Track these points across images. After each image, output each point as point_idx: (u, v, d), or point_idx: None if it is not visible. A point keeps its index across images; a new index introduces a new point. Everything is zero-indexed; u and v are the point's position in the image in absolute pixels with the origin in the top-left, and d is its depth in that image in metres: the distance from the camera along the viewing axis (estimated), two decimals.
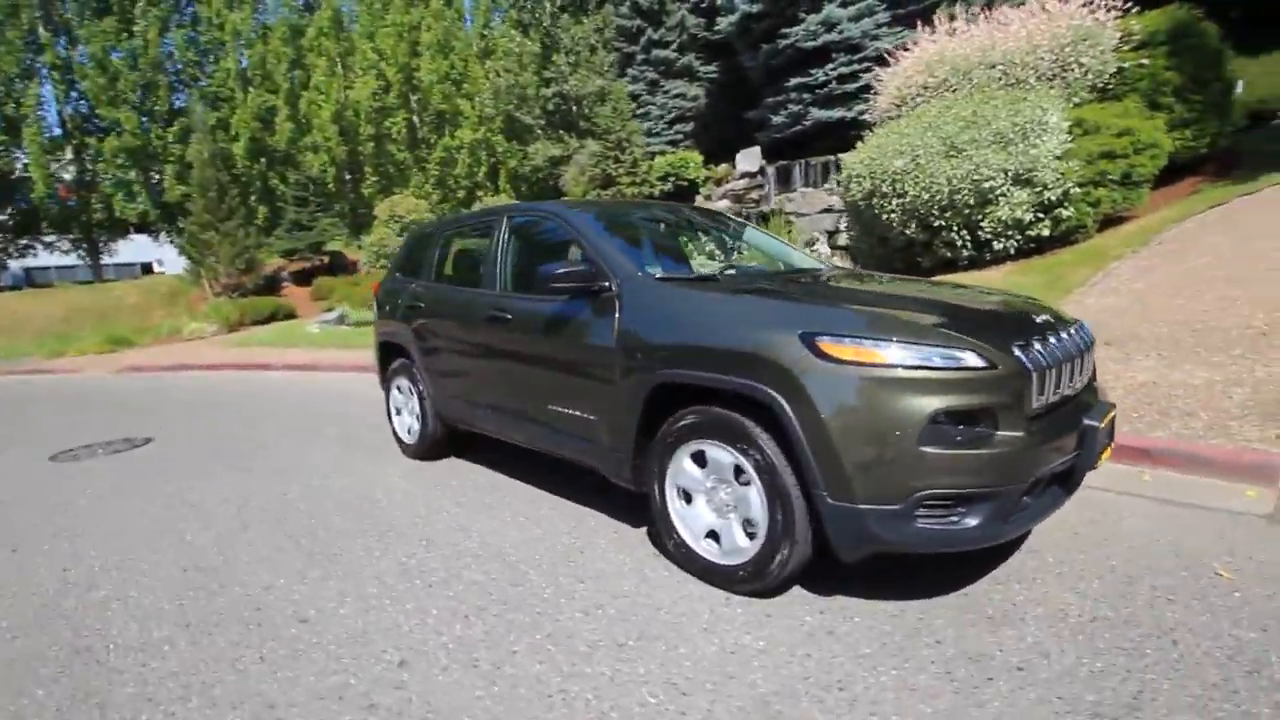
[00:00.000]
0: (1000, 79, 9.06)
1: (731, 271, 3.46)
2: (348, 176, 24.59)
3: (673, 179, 16.99)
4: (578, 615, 2.42)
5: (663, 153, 18.29)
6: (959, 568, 2.51)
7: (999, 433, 2.06)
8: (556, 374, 3.13)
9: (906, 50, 10.52)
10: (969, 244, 7.97)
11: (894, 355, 2.07)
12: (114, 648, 2.41)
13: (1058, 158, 7.67)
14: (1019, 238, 7.77)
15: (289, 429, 5.76)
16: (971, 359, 2.07)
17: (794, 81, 16.09)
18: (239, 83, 25.18)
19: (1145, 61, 8.47)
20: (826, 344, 2.14)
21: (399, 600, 2.63)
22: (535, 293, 3.33)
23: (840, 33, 15.33)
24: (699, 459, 2.55)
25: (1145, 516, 2.89)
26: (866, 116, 10.95)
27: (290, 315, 18.41)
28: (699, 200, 17.15)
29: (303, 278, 22.09)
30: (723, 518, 2.52)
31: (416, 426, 4.46)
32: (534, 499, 3.60)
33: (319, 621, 2.51)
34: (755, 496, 2.35)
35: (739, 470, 2.40)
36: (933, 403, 2.03)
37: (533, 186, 20.72)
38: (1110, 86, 8.65)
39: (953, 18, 14.32)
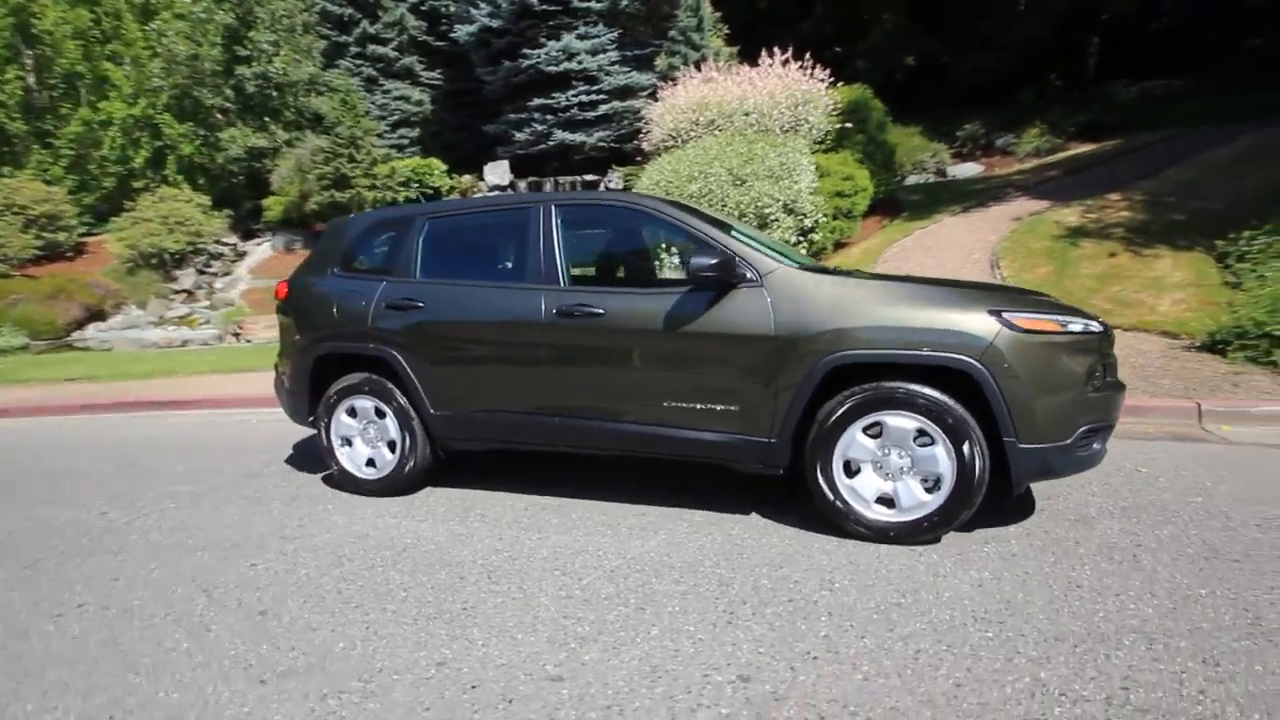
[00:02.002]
0: (754, 126, 10.92)
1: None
2: None
3: (416, 185, 15.94)
4: (855, 592, 2.51)
5: (388, 157, 16.98)
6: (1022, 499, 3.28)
7: (1108, 379, 2.85)
8: (680, 368, 3.05)
9: (661, 94, 11.82)
10: None
11: (1075, 324, 2.71)
12: None
13: (811, 193, 9.62)
14: None
15: (150, 493, 4.10)
16: (1097, 325, 2.82)
17: (537, 102, 16.58)
18: None
19: (849, 125, 11.13)
20: (1018, 318, 2.68)
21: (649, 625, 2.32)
22: (613, 285, 3.18)
23: (579, 63, 16.35)
24: (873, 430, 2.84)
25: None
26: (643, 145, 11.97)
27: None
28: None
29: None
30: (895, 480, 2.85)
31: (389, 456, 3.68)
32: (624, 514, 3.34)
33: None
34: (942, 453, 2.75)
35: (920, 433, 2.78)
36: (1091, 358, 2.72)
37: (220, 181, 17.17)
38: (826, 141, 11.14)
39: (672, 67, 16.58)
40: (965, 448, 2.70)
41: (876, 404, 2.80)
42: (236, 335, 10.35)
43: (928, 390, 2.72)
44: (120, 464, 4.78)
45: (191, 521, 3.55)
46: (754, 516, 3.24)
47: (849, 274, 3.13)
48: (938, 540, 2.86)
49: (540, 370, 3.28)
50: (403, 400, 3.58)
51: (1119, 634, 2.18)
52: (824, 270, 3.32)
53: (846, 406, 2.83)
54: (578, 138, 16.73)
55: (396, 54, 18.98)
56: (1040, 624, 2.25)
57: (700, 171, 9.68)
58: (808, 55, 11.29)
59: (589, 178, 16.54)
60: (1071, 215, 9.05)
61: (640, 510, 3.37)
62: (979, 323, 2.69)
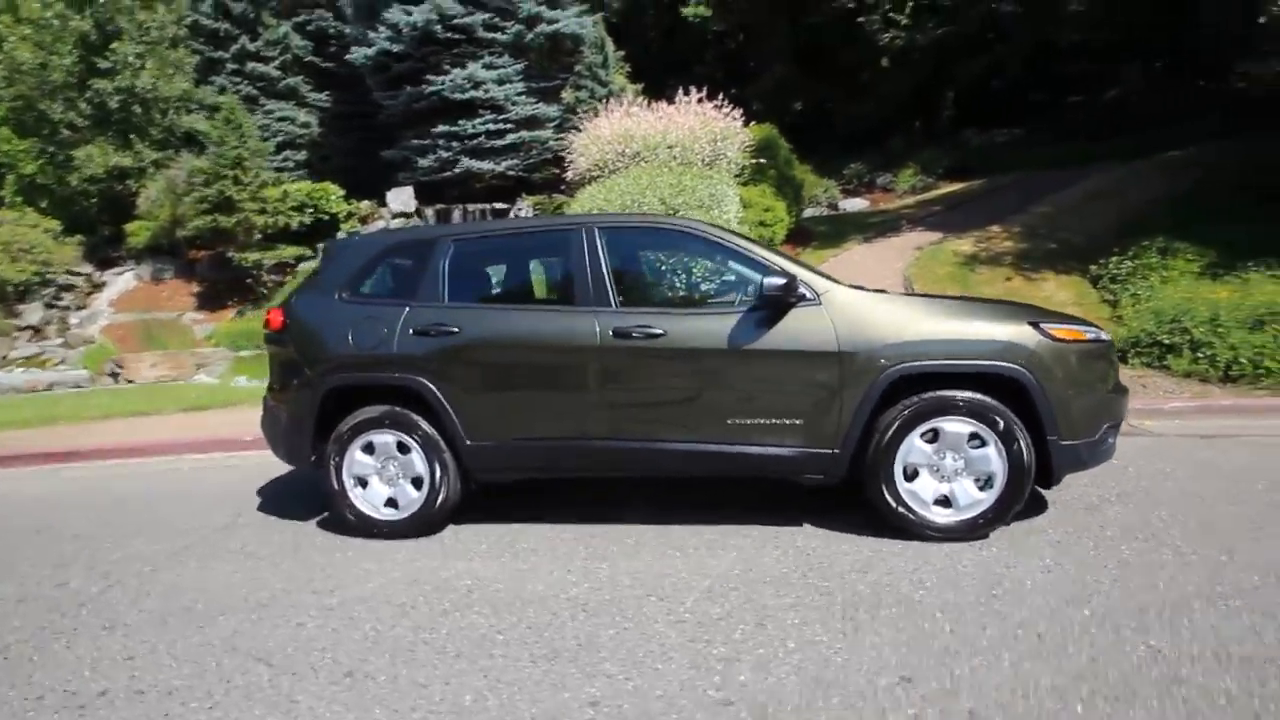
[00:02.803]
0: (676, 159, 11.33)
1: None
2: None
3: (310, 210, 14.93)
4: (949, 590, 2.63)
5: (278, 180, 15.82)
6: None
7: (1118, 381, 3.25)
8: (745, 385, 3.10)
9: (583, 126, 11.98)
10: None
11: (1091, 334, 3.06)
12: None
13: (739, 223, 10.12)
14: None
15: (107, 556, 3.45)
16: (1106, 335, 3.21)
17: (442, 128, 16.20)
18: None
19: (764, 160, 11.84)
20: (1052, 328, 3.00)
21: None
22: (666, 306, 3.21)
23: (486, 92, 16.22)
24: (932, 436, 3.04)
25: None
26: (568, 174, 12.00)
27: None
28: (341, 237, 15.47)
29: None
30: (950, 482, 3.06)
31: (414, 493, 3.41)
32: (679, 535, 3.29)
33: None
34: (994, 454, 2.99)
35: (973, 436, 3.01)
36: (1106, 363, 3.10)
37: (71, 204, 15.14)
38: (743, 175, 11.77)
39: (579, 101, 16.86)
40: (1015, 447, 2.96)
41: (933, 411, 3.01)
42: (115, 376, 9.06)
43: (982, 396, 2.97)
44: (39, 526, 4.05)
45: (185, 584, 3.08)
46: (807, 527, 3.33)
47: (884, 293, 3.35)
48: (987, 536, 3.09)
49: (594, 393, 3.20)
50: (432, 432, 3.35)
51: (1186, 600, 2.47)
52: (862, 289, 3.54)
53: (906, 415, 3.01)
54: (485, 166, 16.48)
55: (279, 73, 17.82)
56: (1120, 599, 2.50)
57: (634, 200, 9.86)
58: (719, 95, 11.94)
59: (498, 206, 16.29)
60: (965, 245, 10.16)
61: (694, 530, 3.35)
62: (1022, 333, 2.99)
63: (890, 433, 3.02)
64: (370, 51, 16.15)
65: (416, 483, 3.42)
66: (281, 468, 4.91)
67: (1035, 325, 3.02)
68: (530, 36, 16.65)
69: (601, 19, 17.43)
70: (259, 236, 14.08)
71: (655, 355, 3.15)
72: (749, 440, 3.14)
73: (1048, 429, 2.97)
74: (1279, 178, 8.71)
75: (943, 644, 2.27)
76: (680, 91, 11.80)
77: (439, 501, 3.39)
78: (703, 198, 9.96)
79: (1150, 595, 2.52)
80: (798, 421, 3.09)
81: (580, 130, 12.32)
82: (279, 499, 4.27)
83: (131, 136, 14.55)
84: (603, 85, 16.59)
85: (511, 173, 16.74)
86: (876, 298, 3.19)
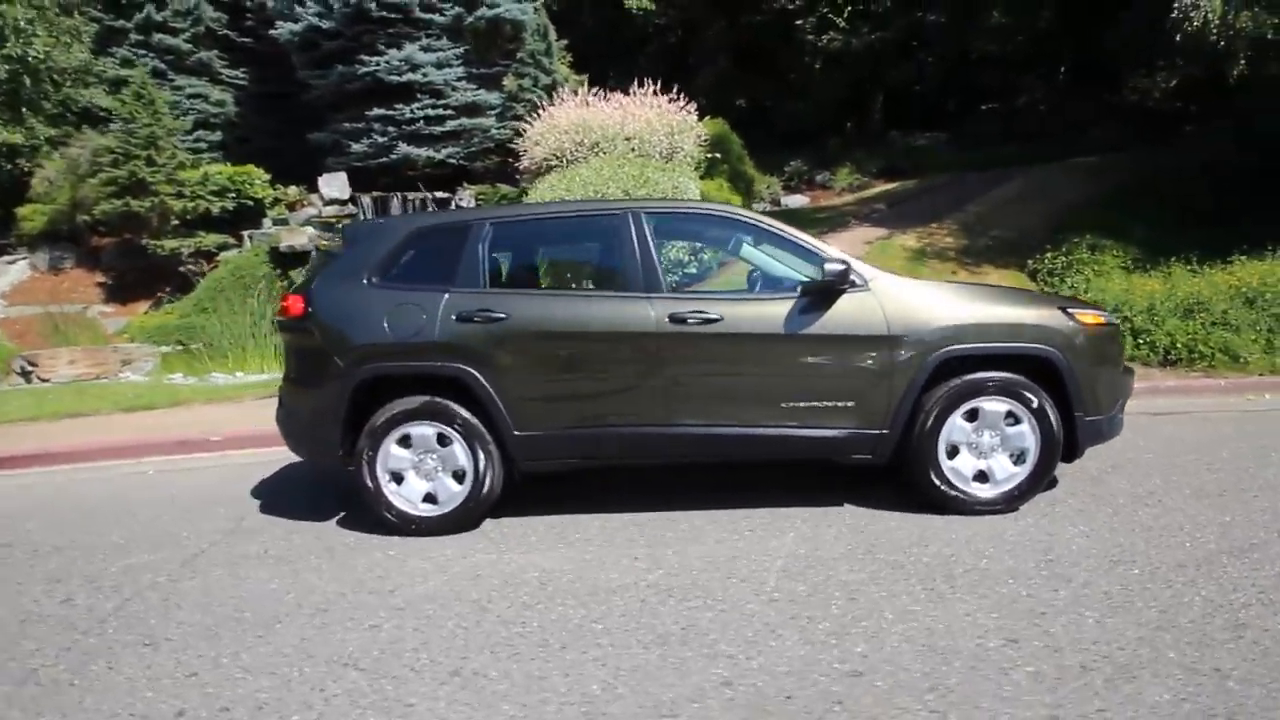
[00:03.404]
0: (634, 150, 11.33)
1: None
2: None
3: (233, 195, 13.90)
4: (1008, 558, 2.79)
5: (198, 162, 14.66)
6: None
7: (1125, 362, 3.54)
8: (800, 369, 3.17)
9: (541, 114, 11.76)
10: None
11: (1106, 317, 3.32)
12: None
13: None
14: None
15: (107, 569, 3.08)
16: (1115, 318, 3.49)
17: (377, 112, 15.50)
18: None
19: (718, 155, 12.03)
20: (1079, 313, 3.23)
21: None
22: (717, 291, 3.23)
23: (424, 75, 15.63)
24: (971, 415, 3.21)
25: None
26: (523, 163, 11.73)
27: None
28: (268, 224, 14.52)
29: None
30: (987, 458, 3.25)
31: (455, 487, 3.28)
32: (729, 519, 3.32)
33: None
34: (1028, 430, 3.20)
35: (1009, 414, 3.21)
36: (1117, 345, 3.37)
37: None
38: (698, 169, 11.92)
39: (522, 89, 16.54)
40: (1046, 424, 3.18)
41: (974, 391, 3.18)
42: (26, 375, 8.12)
43: (1018, 376, 3.17)
44: (4, 540, 3.60)
45: (218, 593, 2.83)
46: (848, 507, 3.44)
47: (924, 280, 3.50)
48: (1018, 509, 3.30)
49: (650, 380, 3.18)
50: (475, 422, 3.23)
51: (1214, 556, 2.74)
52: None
53: (950, 395, 3.17)
54: (424, 152, 15.88)
55: (190, 46, 16.47)
56: (1160, 558, 2.74)
57: (596, 191, 9.79)
58: (661, 89, 11.94)
59: (440, 195, 15.73)
60: (911, 240, 10.71)
61: (741, 514, 3.38)
62: (1054, 317, 3.21)
63: (935, 412, 3.17)
64: (297, 27, 15.20)
65: (457, 476, 3.29)
66: (266, 468, 4.63)
67: (1064, 310, 3.26)
68: (470, 20, 16.15)
69: (543, 6, 17.10)
70: (176, 222, 12.98)
71: (711, 340, 3.17)
72: (802, 423, 3.21)
73: (1075, 406, 3.20)
74: (1182, 187, 9.71)
75: (1026, 606, 2.42)
76: (631, 83, 11.76)
77: (483, 495, 3.27)
78: (666, 190, 10.00)
79: (1182, 553, 2.78)
80: (850, 404, 3.19)
81: (532, 118, 12.08)
82: (280, 501, 3.98)
83: (24, 111, 13.04)
84: (547, 74, 16.30)
85: (452, 160, 16.20)
86: (918, 284, 3.34)
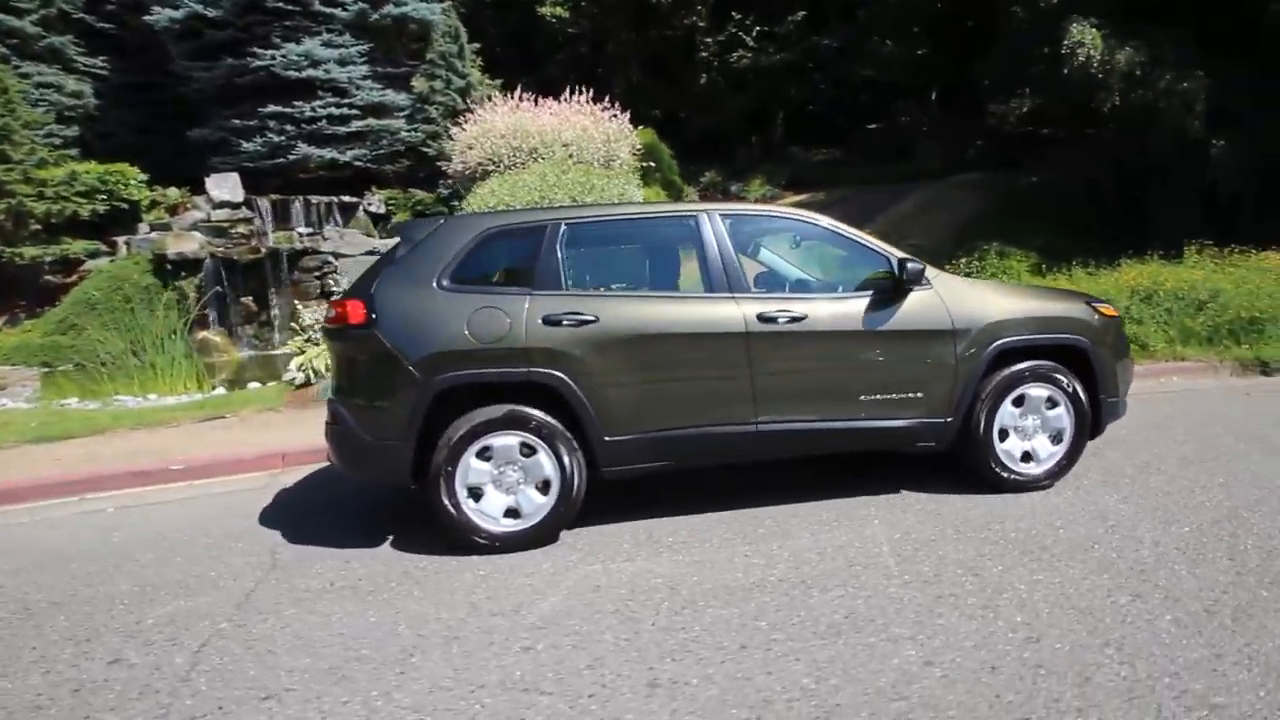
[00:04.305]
0: (572, 157, 11.26)
1: None
2: None
3: (103, 197, 12.28)
4: (1077, 527, 3.06)
5: (61, 159, 12.81)
6: None
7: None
8: (876, 363, 3.33)
9: (476, 118, 11.41)
10: None
11: (1113, 311, 3.75)
12: None
13: None
14: None
15: (146, 618, 2.58)
16: (1116, 311, 3.95)
17: (273, 109, 14.32)
18: None
19: (652, 164, 12.21)
20: (1099, 306, 3.63)
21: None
22: (796, 291, 3.37)
23: (326, 72, 14.69)
24: (1018, 401, 3.52)
25: None
26: (454, 166, 11.26)
27: None
28: (145, 229, 12.93)
29: None
30: (1029, 440, 3.57)
31: (539, 499, 3.12)
32: (806, 513, 3.38)
33: None
34: (1064, 413, 3.55)
35: (1048, 399, 3.55)
36: (1122, 335, 3.82)
37: None
38: (634, 178, 12.04)
39: (433, 90, 15.94)
40: (1079, 406, 3.55)
41: (1021, 380, 3.49)
42: None
43: (1059, 365, 3.51)
44: None
45: (307, 634, 2.51)
46: (905, 493, 3.64)
47: (969, 278, 3.79)
48: (1052, 485, 3.65)
49: (740, 379, 3.21)
50: (562, 429, 3.10)
51: (1235, 511, 3.18)
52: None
53: (1002, 384, 3.46)
54: (328, 153, 14.86)
55: (38, 30, 14.41)
56: (1194, 516, 3.14)
57: (542, 197, 9.63)
58: (575, 96, 11.91)
59: (346, 199, 14.75)
60: None
61: (809, 508, 3.43)
62: (1083, 310, 3.60)
63: (990, 400, 3.45)
64: (177, 14, 13.75)
65: (542, 487, 3.13)
66: (255, 495, 4.23)
67: (1088, 303, 3.66)
68: (375, 16, 15.36)
69: (453, 7, 16.57)
70: (37, 227, 11.27)
71: (798, 338, 3.25)
72: (876, 415, 3.37)
73: (1101, 389, 3.60)
74: (1063, 202, 11.09)
75: (1126, 565, 2.70)
76: (542, 90, 11.65)
77: (571, 505, 3.14)
78: (612, 197, 10.03)
79: (1211, 511, 3.20)
80: (919, 395, 3.39)
81: (447, 122, 11.70)
82: (303, 529, 3.58)
83: None
84: (460, 76, 15.80)
85: (359, 163, 15.25)
86: (968, 282, 3.62)
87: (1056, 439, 3.58)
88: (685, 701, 2.00)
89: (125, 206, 12.75)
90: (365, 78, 15.30)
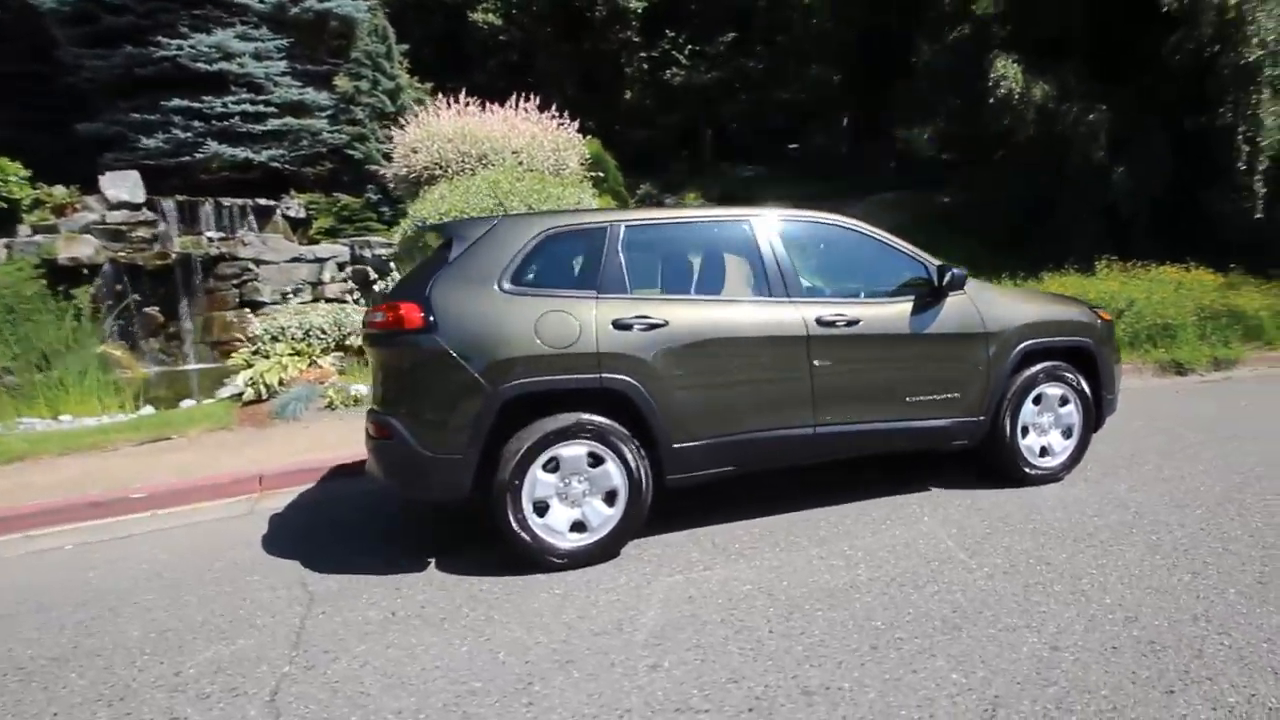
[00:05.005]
0: (522, 164, 11.04)
1: None
2: None
3: None
4: (1110, 514, 3.28)
5: None
6: None
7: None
8: (921, 365, 3.45)
9: (421, 121, 10.96)
10: None
11: (1108, 315, 4.08)
12: None
13: None
14: None
15: (188, 662, 2.19)
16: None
17: (178, 103, 13.16)
18: None
19: (601, 174, 12.18)
20: (1099, 311, 3.95)
21: None
22: (845, 296, 3.49)
23: (241, 66, 13.70)
24: (1036, 400, 3.75)
25: None
26: (397, 170, 10.73)
27: None
28: (26, 231, 11.47)
29: None
30: (1044, 436, 3.82)
31: (606, 511, 2.99)
32: (860, 512, 3.42)
33: None
34: (1073, 410, 3.82)
35: (1061, 397, 3.81)
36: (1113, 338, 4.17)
37: None
38: (583, 186, 11.96)
39: (359, 91, 15.21)
40: (1086, 403, 3.83)
41: (1039, 380, 3.73)
42: None
43: (1069, 364, 3.78)
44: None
45: (399, 669, 2.27)
46: (935, 490, 3.78)
47: (991, 285, 4.02)
48: (1063, 478, 3.91)
49: (802, 382, 3.23)
50: (631, 437, 3.00)
51: (1238, 489, 3.54)
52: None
53: (1024, 383, 3.68)
54: (240, 153, 13.81)
55: None
56: (1203, 498, 3.46)
57: (496, 204, 9.36)
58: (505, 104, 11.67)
59: (262, 202, 13.71)
60: None
61: (855, 509, 3.49)
62: (1088, 314, 3.90)
63: (1014, 400, 3.66)
64: None
65: (609, 498, 3.01)
66: (243, 522, 3.90)
67: (1091, 308, 3.97)
68: (295, 11, 14.50)
69: (379, 5, 15.89)
70: None
71: (854, 341, 3.32)
72: (920, 415, 3.49)
73: (1104, 387, 3.91)
74: (979, 220, 12.03)
75: (1169, 546, 2.93)
76: (471, 96, 11.33)
77: (639, 515, 3.04)
78: (569, 204, 9.89)
79: (1217, 492, 3.54)
80: (957, 395, 3.54)
81: (375, 124, 11.16)
82: (327, 555, 3.24)
83: None
84: (389, 78, 15.14)
85: (276, 164, 14.25)
86: (992, 287, 3.83)
87: (1067, 434, 3.85)
88: (850, 707, 1.96)
89: (4, 206, 11.27)
90: (284, 74, 14.37)
